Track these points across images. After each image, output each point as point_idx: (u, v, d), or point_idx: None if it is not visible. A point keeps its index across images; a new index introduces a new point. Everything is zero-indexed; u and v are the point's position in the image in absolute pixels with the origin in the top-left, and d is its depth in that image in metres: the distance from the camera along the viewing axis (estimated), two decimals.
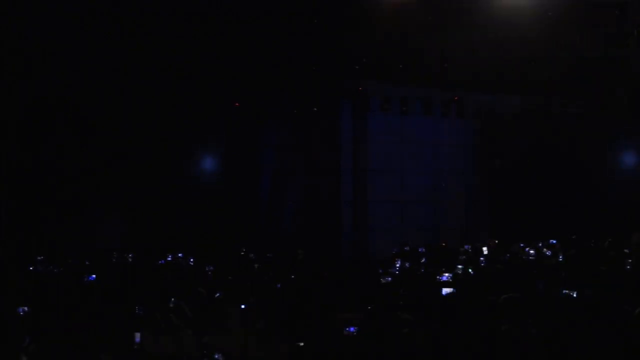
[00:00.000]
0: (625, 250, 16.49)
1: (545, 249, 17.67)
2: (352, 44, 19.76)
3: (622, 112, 21.72)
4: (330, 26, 19.32)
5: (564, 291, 10.73)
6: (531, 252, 17.34)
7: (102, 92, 19.28)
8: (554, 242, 19.28)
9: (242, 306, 11.63)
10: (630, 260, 14.63)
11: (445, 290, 11.89)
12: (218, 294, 12.29)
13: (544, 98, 22.22)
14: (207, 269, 16.12)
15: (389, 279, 13.86)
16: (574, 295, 10.53)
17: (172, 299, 11.50)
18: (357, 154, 21.94)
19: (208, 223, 21.14)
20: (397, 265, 15.96)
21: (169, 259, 17.82)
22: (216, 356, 8.04)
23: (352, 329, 8.86)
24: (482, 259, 16.81)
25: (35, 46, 17.73)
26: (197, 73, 19.70)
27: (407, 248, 19.83)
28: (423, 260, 16.74)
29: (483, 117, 23.06)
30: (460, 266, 14.93)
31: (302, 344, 8.46)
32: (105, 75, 18.83)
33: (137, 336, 9.14)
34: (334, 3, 18.50)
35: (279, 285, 13.82)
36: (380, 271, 14.93)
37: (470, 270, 14.78)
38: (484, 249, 18.39)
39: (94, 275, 14.12)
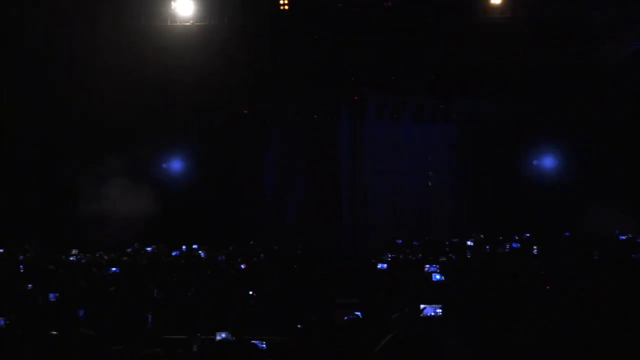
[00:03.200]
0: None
1: (516, 243, 18.61)
2: (350, 56, 21.02)
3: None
4: (329, 40, 20.62)
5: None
6: (507, 245, 18.40)
7: (113, 98, 19.64)
8: (528, 235, 20.52)
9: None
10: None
11: (436, 277, 13.01)
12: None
13: (520, 105, 23.07)
14: (219, 259, 17.25)
15: (385, 265, 14.92)
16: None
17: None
18: (354, 156, 23.02)
19: (218, 218, 22.06)
20: (388, 256, 17.13)
21: (184, 249, 19.09)
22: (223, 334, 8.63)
23: (352, 316, 9.32)
24: (467, 250, 17.97)
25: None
26: (209, 84, 20.86)
27: (400, 241, 21.06)
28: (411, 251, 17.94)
29: (466, 123, 24.03)
30: (444, 258, 16.05)
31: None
32: (118, 82, 19.46)
33: (150, 317, 10.06)
34: (335, 19, 19.77)
35: (279, 277, 14.47)
36: (374, 260, 16.04)
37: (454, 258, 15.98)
38: (468, 242, 19.65)
39: (116, 268, 15.01)
